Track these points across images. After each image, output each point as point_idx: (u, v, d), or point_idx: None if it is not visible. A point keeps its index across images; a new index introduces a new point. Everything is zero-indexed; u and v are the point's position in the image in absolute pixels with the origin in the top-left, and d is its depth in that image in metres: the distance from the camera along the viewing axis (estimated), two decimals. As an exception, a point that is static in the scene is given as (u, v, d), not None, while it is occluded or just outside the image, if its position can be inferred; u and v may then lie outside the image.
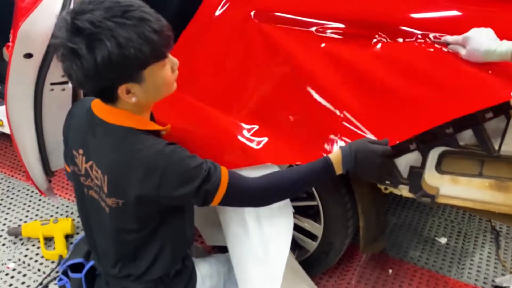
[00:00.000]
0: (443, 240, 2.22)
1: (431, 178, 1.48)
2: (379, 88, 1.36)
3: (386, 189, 1.57)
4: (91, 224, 1.36)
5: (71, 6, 1.47)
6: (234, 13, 1.57)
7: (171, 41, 1.12)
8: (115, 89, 1.11)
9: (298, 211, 1.74)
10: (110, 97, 1.16)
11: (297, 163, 1.39)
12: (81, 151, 1.25)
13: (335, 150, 1.36)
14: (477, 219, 2.34)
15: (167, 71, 1.15)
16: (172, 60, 1.17)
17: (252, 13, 1.52)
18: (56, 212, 2.42)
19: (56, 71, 1.59)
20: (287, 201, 1.49)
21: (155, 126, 1.23)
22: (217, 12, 1.61)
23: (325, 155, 1.30)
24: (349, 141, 1.35)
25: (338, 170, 1.28)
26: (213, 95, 1.61)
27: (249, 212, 1.49)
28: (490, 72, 1.21)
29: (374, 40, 1.38)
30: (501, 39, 1.19)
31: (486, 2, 1.37)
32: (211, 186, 1.17)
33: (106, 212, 1.24)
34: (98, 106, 1.21)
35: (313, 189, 1.67)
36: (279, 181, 1.28)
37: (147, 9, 1.07)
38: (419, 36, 1.34)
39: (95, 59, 1.02)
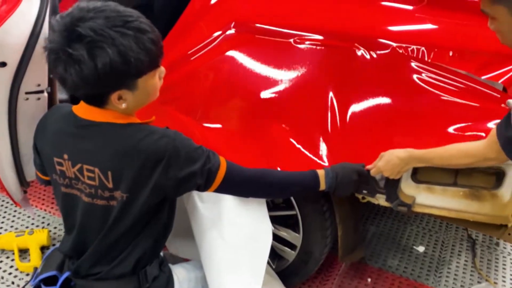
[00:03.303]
0: (421, 249, 2.24)
1: (407, 187, 1.50)
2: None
3: (363, 198, 1.59)
4: (82, 227, 1.32)
5: (47, 15, 1.45)
6: (214, 23, 1.58)
7: (163, 54, 1.18)
8: (108, 95, 1.14)
9: (277, 221, 1.75)
10: (100, 102, 1.18)
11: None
12: (66, 156, 1.23)
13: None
14: (454, 227, 2.37)
15: (156, 79, 1.20)
16: (160, 69, 1.21)
17: (232, 24, 1.53)
18: (32, 224, 2.36)
19: (31, 80, 1.56)
20: (265, 210, 1.52)
21: (142, 120, 1.24)
22: (198, 21, 1.62)
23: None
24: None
25: (322, 185, 1.42)
26: (187, 103, 1.62)
27: (228, 221, 1.50)
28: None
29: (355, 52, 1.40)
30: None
31: (458, 16, 1.41)
32: (213, 166, 1.24)
33: (108, 209, 1.23)
34: (82, 110, 1.22)
35: (292, 198, 1.68)
36: (272, 176, 1.39)
37: (144, 20, 1.13)
38: (395, 48, 1.37)
39: (96, 66, 1.06)
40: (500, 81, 1.32)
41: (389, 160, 1.37)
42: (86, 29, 1.05)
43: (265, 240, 1.50)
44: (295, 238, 1.76)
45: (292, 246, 1.80)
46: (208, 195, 1.59)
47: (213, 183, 1.27)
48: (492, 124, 1.24)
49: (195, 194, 1.61)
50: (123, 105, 1.17)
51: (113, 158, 1.18)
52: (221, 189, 1.31)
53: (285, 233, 1.79)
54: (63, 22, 1.08)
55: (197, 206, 1.61)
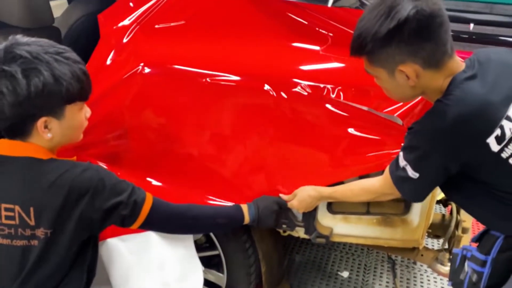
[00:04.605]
0: (345, 274, 2.29)
1: (324, 218, 1.54)
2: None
3: (284, 232, 1.61)
4: None
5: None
6: (122, 65, 1.54)
7: (91, 89, 1.21)
8: (33, 121, 1.12)
9: (201, 262, 1.70)
10: (23, 131, 1.15)
11: None
12: None
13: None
14: (375, 251, 2.46)
15: (83, 116, 1.22)
16: (86, 108, 1.23)
17: (141, 65, 1.50)
18: None
19: None
20: (194, 249, 1.55)
21: (64, 159, 1.20)
22: (107, 62, 1.58)
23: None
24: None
25: (246, 218, 1.46)
26: (102, 148, 1.56)
27: (157, 263, 1.49)
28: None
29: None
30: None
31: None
32: (138, 197, 1.24)
33: (27, 251, 1.15)
34: (0, 146, 1.18)
35: (214, 238, 1.66)
36: (197, 210, 1.41)
37: (76, 55, 1.18)
38: (302, 85, 1.41)
39: (29, 85, 1.07)
40: (396, 114, 1.41)
41: (302, 200, 1.45)
42: (22, 51, 1.08)
43: (196, 281, 1.51)
44: (219, 278, 1.73)
45: (217, 287, 1.76)
46: (132, 235, 1.55)
47: (138, 216, 1.25)
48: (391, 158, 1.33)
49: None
50: (48, 135, 1.15)
51: (35, 193, 1.14)
52: (146, 224, 1.28)
53: (209, 274, 1.75)
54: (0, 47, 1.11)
55: (118, 247, 1.55)
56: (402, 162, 1.15)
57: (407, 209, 1.50)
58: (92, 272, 1.32)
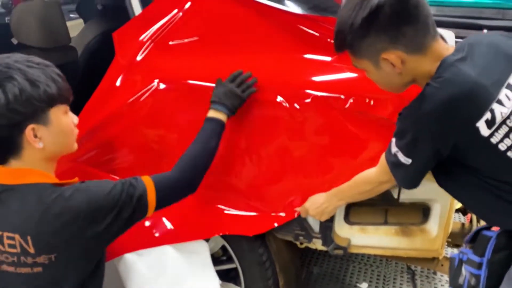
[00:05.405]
0: (365, 286, 2.26)
1: (341, 229, 1.53)
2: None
3: (301, 244, 1.60)
4: None
5: None
6: (137, 82, 1.57)
7: (71, 92, 1.21)
8: (21, 131, 1.12)
9: (219, 275, 1.70)
10: (14, 145, 1.14)
11: None
12: None
13: None
14: (394, 261, 2.43)
15: (70, 120, 1.21)
16: (72, 115, 1.23)
17: (156, 81, 1.52)
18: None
19: None
20: (210, 263, 1.56)
21: (64, 181, 1.20)
22: (122, 79, 1.60)
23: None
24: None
25: (224, 118, 1.42)
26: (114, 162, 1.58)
27: (170, 279, 1.50)
28: None
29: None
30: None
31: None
32: (139, 191, 1.22)
33: (34, 278, 1.16)
34: None
35: (231, 251, 1.66)
36: (192, 156, 1.37)
37: (45, 60, 1.18)
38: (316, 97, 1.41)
39: (6, 93, 1.08)
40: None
41: (313, 202, 1.44)
42: None
43: None
44: (238, 291, 1.73)
45: (235, 301, 1.76)
46: (148, 250, 1.57)
47: (148, 205, 1.24)
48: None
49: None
50: (40, 144, 1.14)
51: (30, 221, 1.13)
52: (161, 204, 1.28)
53: (226, 288, 1.75)
54: None
55: (135, 262, 1.56)
56: (394, 149, 1.14)
57: (425, 218, 1.48)
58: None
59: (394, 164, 1.15)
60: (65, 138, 1.21)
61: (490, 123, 1.01)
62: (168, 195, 1.31)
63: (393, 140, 1.14)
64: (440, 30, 1.15)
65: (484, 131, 1.02)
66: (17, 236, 1.14)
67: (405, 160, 1.12)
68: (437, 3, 4.05)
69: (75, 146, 1.26)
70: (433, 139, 1.06)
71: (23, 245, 1.14)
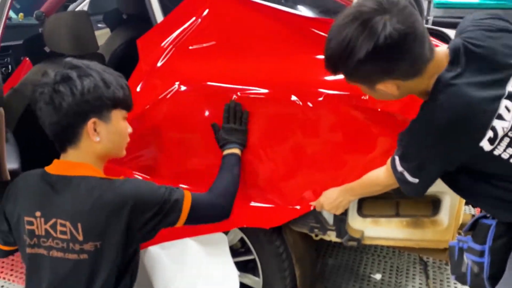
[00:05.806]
0: (378, 276, 2.33)
1: (355, 222, 1.59)
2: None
3: (316, 236, 1.67)
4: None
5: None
6: (159, 85, 1.64)
7: (132, 103, 1.37)
8: (85, 122, 1.26)
9: (237, 267, 1.78)
10: (75, 134, 1.27)
11: None
12: (38, 214, 1.27)
13: None
14: (406, 252, 2.49)
15: (126, 126, 1.36)
16: (128, 125, 1.37)
17: (177, 84, 1.60)
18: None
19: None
20: (229, 256, 1.63)
21: (112, 177, 1.30)
22: (145, 83, 1.68)
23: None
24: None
25: (239, 153, 1.54)
26: (143, 162, 1.66)
27: (194, 270, 1.57)
28: None
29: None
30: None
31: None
32: (177, 195, 1.33)
33: (80, 264, 1.25)
34: (53, 167, 1.31)
35: (249, 243, 1.73)
36: (225, 184, 1.48)
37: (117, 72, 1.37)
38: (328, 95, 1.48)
39: (83, 85, 1.24)
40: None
41: (328, 197, 1.49)
42: (78, 63, 1.29)
43: (232, 286, 1.57)
44: (256, 282, 1.81)
45: (253, 291, 1.84)
46: (170, 242, 1.64)
47: (180, 213, 1.33)
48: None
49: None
50: (97, 138, 1.27)
51: (81, 210, 1.24)
52: (191, 220, 1.36)
53: (246, 278, 1.83)
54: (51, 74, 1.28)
55: (160, 255, 1.64)
56: (399, 168, 1.17)
57: (436, 210, 1.54)
58: (135, 278, 1.41)
59: (401, 180, 1.20)
60: (119, 139, 1.35)
61: (492, 140, 1.03)
62: (200, 214, 1.40)
63: (397, 159, 1.17)
64: (446, 31, 1.21)
65: (487, 147, 1.04)
66: (68, 223, 1.25)
67: (412, 179, 1.16)
68: (444, 5, 4.06)
69: (124, 152, 1.39)
70: (438, 162, 1.11)
71: (73, 232, 1.25)
